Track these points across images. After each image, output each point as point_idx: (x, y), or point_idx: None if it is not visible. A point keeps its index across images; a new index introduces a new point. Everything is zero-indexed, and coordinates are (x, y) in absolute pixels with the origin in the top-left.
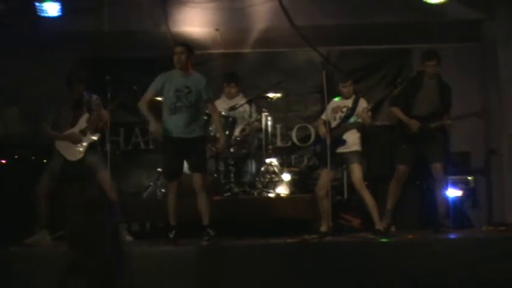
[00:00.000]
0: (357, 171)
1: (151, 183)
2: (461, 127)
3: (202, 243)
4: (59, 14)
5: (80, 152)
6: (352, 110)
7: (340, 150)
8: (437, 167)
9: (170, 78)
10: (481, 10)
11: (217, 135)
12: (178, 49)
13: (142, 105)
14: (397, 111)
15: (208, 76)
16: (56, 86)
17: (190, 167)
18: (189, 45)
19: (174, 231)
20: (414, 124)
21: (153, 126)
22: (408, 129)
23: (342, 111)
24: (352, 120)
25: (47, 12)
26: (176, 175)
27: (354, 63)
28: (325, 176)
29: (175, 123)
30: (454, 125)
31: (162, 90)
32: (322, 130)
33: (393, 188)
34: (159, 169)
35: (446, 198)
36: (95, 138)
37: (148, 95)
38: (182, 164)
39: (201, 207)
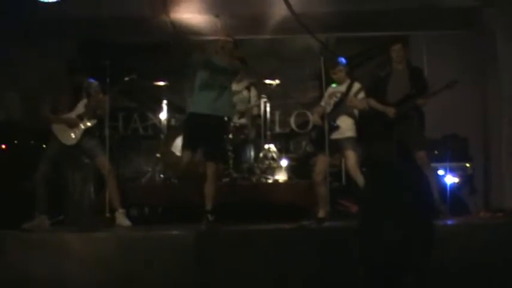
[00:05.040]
0: (351, 157)
1: (150, 169)
2: (460, 113)
3: (200, 228)
4: None
5: (75, 137)
6: (345, 96)
7: (334, 136)
8: (420, 155)
9: (209, 59)
10: None
11: None
12: (230, 38)
13: None
14: (372, 102)
15: None
16: (56, 71)
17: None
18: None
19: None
20: (390, 111)
21: None
22: (386, 117)
23: (336, 97)
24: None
25: None
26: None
27: (351, 50)
28: (321, 162)
29: (204, 99)
30: (453, 111)
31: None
32: (315, 116)
33: None
34: (158, 155)
35: (437, 184)
36: (91, 123)
37: None
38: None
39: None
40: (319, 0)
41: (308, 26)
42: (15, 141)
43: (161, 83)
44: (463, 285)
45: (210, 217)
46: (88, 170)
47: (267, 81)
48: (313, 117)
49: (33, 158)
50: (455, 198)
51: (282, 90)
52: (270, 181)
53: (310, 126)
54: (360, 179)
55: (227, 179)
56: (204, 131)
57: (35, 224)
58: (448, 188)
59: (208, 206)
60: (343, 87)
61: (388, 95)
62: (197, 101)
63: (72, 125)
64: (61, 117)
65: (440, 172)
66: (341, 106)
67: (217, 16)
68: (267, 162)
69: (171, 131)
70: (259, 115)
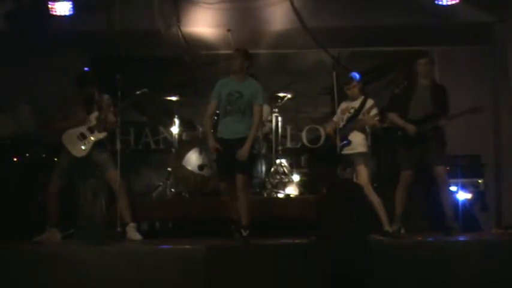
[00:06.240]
0: (362, 173)
1: (161, 183)
2: (472, 130)
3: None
4: (70, 13)
5: (85, 148)
6: (358, 111)
7: (346, 151)
8: (439, 170)
9: (226, 83)
10: (492, 13)
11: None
12: (234, 54)
13: (207, 120)
14: (393, 117)
15: (218, 77)
16: (68, 84)
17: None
18: (245, 50)
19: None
20: (410, 128)
21: (211, 143)
22: (405, 134)
23: (350, 112)
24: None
25: (58, 11)
26: (226, 175)
27: (364, 65)
28: None
29: (226, 126)
30: (465, 128)
31: (220, 96)
32: (327, 129)
33: (399, 193)
34: (169, 169)
35: (452, 201)
36: (101, 136)
37: (210, 108)
38: (231, 164)
39: (240, 207)
40: (331, 15)
41: (320, 40)
42: (27, 154)
43: (172, 97)
44: None
45: (244, 232)
46: (99, 184)
47: (278, 96)
48: (326, 130)
49: (45, 171)
50: (467, 215)
51: (293, 105)
52: (281, 196)
53: (322, 141)
54: (372, 195)
55: None
56: (232, 155)
57: (46, 237)
58: (460, 204)
59: (244, 220)
60: (356, 103)
61: (410, 109)
62: (221, 128)
63: (81, 123)
64: (70, 120)
65: (453, 188)
66: (354, 121)
67: (228, 30)
68: (278, 177)
69: (182, 145)
70: (270, 130)
